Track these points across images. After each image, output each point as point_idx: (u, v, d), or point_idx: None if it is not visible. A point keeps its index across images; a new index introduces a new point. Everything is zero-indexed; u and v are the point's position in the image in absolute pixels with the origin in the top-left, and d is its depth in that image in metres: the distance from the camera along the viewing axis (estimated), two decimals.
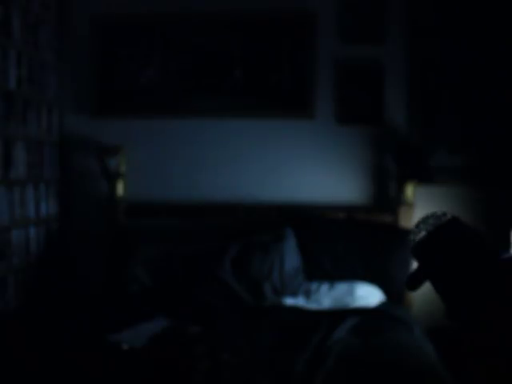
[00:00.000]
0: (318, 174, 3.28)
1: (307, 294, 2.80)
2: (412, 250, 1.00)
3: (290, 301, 2.75)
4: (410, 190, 3.10)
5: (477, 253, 0.93)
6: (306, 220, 3.13)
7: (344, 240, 3.00)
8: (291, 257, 2.94)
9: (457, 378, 2.05)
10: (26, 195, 2.95)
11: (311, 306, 2.70)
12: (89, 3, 3.33)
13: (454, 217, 0.98)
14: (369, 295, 2.77)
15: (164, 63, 3.29)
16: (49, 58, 3.21)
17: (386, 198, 3.25)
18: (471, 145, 3.18)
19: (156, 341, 2.14)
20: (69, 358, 2.08)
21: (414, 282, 1.02)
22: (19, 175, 2.89)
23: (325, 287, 2.82)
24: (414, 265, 0.99)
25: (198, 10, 3.26)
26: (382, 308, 2.68)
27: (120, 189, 3.25)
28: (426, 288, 3.34)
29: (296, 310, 2.64)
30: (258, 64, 3.26)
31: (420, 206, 3.14)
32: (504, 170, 3.14)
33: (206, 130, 3.32)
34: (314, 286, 2.85)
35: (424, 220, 1.01)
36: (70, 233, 3.37)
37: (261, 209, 3.23)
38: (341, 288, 2.80)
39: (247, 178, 3.31)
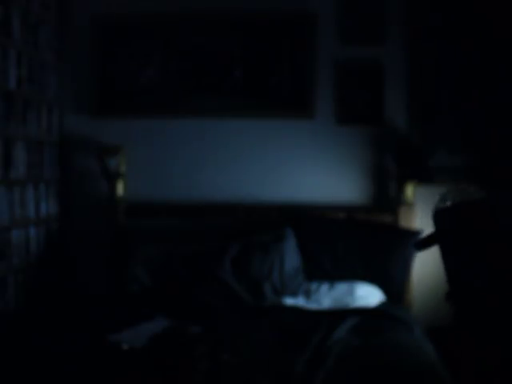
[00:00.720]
0: (317, 174, 3.28)
1: (307, 294, 2.80)
2: (434, 215, 0.98)
3: (289, 301, 2.75)
4: (410, 190, 3.10)
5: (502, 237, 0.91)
6: (306, 220, 3.13)
7: (344, 240, 3.00)
8: (291, 257, 2.94)
9: (457, 378, 2.05)
10: (25, 195, 2.95)
11: (311, 305, 2.70)
12: (89, 3, 3.33)
13: (485, 198, 0.96)
14: (369, 295, 2.77)
15: (164, 63, 3.29)
16: (49, 58, 3.21)
17: (386, 198, 3.25)
18: (471, 145, 3.18)
19: (156, 341, 2.14)
20: (69, 357, 2.08)
21: (424, 243, 1.01)
22: (19, 175, 2.89)
23: (325, 287, 2.82)
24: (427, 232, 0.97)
25: (198, 9, 3.26)
26: (382, 308, 2.68)
27: (120, 189, 3.25)
28: (426, 288, 3.34)
29: (296, 310, 2.64)
30: (258, 64, 3.26)
31: (420, 206, 3.14)
32: (504, 170, 3.14)
33: (206, 130, 3.32)
34: (313, 286, 2.85)
35: (454, 191, 1.00)
36: (70, 233, 3.37)
37: (261, 209, 3.23)
38: (341, 288, 2.80)
39: (247, 178, 3.31)
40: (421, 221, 3.12)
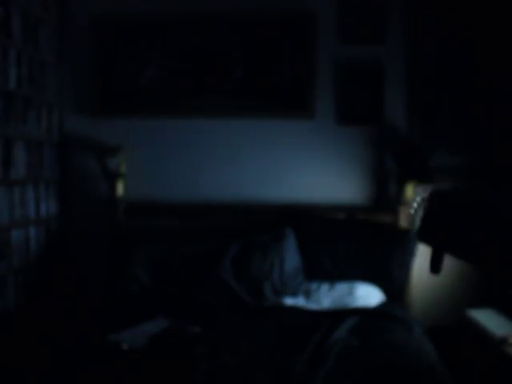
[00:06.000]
0: (318, 174, 3.28)
1: (307, 294, 2.80)
2: (418, 235, 0.95)
3: (289, 301, 2.75)
4: (410, 190, 3.10)
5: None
6: (306, 220, 3.13)
7: (344, 240, 3.00)
8: (291, 257, 2.94)
9: (457, 378, 2.06)
10: (25, 195, 2.95)
11: (311, 306, 2.71)
12: (89, 3, 3.33)
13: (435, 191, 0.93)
14: (369, 295, 2.77)
15: (164, 63, 3.29)
16: (49, 58, 3.21)
17: (386, 198, 3.25)
18: (471, 145, 3.18)
19: (156, 341, 2.15)
20: (69, 357, 2.08)
21: (436, 263, 0.97)
22: (19, 175, 2.89)
23: (325, 287, 2.82)
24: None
25: (197, 10, 3.26)
26: (382, 308, 2.68)
27: (120, 189, 3.25)
28: (426, 288, 3.34)
29: (296, 310, 2.64)
30: (258, 64, 3.26)
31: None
32: (504, 170, 3.14)
33: (206, 130, 3.32)
34: (314, 286, 2.85)
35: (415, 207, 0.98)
36: (70, 233, 3.37)
37: (261, 209, 3.24)
38: (341, 288, 2.80)
39: (247, 177, 3.31)
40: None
